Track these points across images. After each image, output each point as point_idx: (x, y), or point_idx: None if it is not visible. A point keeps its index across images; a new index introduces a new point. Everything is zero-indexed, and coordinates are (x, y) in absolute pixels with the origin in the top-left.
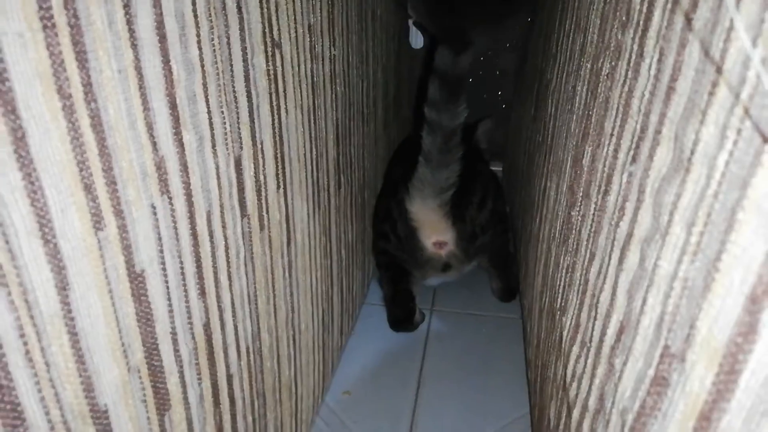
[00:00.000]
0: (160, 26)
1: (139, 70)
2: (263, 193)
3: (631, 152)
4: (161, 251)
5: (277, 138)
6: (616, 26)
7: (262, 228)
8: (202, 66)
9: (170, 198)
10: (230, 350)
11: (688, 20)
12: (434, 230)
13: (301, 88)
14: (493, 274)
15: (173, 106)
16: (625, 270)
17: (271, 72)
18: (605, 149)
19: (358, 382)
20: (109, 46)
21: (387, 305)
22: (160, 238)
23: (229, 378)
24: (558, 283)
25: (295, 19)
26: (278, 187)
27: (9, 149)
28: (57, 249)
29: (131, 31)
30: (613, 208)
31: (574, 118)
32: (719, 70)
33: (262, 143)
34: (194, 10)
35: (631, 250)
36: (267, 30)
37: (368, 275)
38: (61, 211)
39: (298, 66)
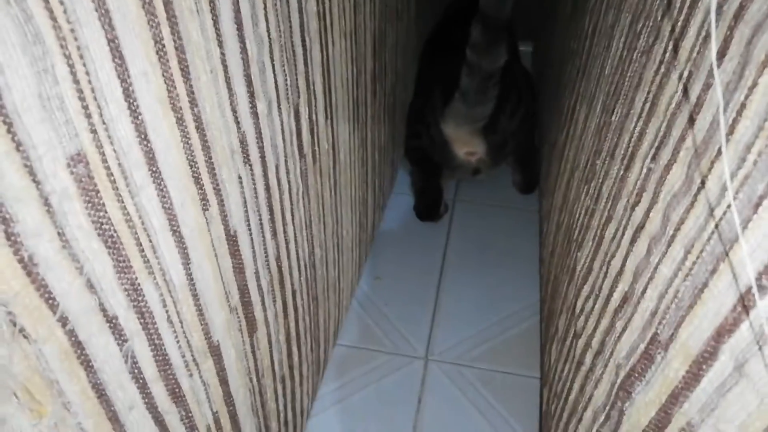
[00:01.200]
0: (237, 14)
1: (224, 63)
2: (315, 131)
3: (653, 149)
4: (246, 211)
5: (326, 73)
6: (656, 4)
7: (315, 162)
8: (269, 36)
9: (251, 165)
10: (293, 271)
11: (707, 85)
12: (466, 144)
13: (344, 14)
14: (516, 168)
15: (249, 82)
16: (634, 253)
17: (321, 12)
18: (632, 124)
19: (388, 267)
20: (203, 52)
21: (416, 197)
22: (245, 201)
23: (293, 293)
24: (577, 215)
25: None
26: (326, 118)
27: (146, 170)
28: (181, 235)
29: (217, 31)
30: (632, 188)
31: (609, 62)
32: (731, 133)
33: (314, 84)
34: None
35: (641, 239)
36: None
37: (396, 168)
38: (181, 205)
39: None
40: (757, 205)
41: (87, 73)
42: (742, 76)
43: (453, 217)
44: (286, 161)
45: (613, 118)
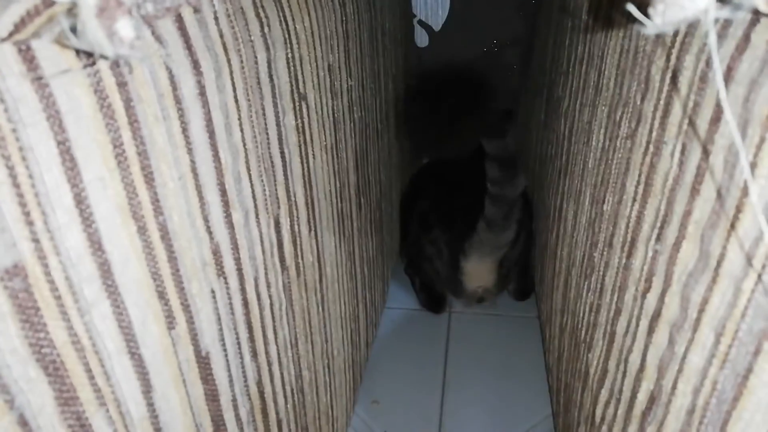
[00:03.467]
0: (208, 123)
1: (194, 171)
2: (298, 242)
3: (656, 230)
4: (221, 329)
5: (307, 185)
6: (634, 88)
7: (298, 275)
8: (245, 146)
9: (225, 278)
10: (278, 398)
11: (706, 151)
12: (480, 279)
13: (324, 130)
14: (513, 278)
15: (223, 192)
16: (654, 345)
17: (299, 126)
18: (628, 209)
19: (385, 389)
20: (170, 158)
21: (421, 294)
22: (219, 318)
23: (279, 423)
24: (581, 313)
25: (317, 65)
26: (310, 230)
27: (99, 284)
28: (141, 359)
29: (186, 138)
30: (639, 275)
31: (591, 155)
32: (745, 192)
33: (294, 195)
34: (235, 96)
35: (660, 328)
36: (294, 87)
37: (388, 282)
38: (142, 324)
39: (321, 109)
40: None
41: (30, 177)
42: (745, 135)
43: (450, 329)
44: (266, 274)
45: (605, 207)
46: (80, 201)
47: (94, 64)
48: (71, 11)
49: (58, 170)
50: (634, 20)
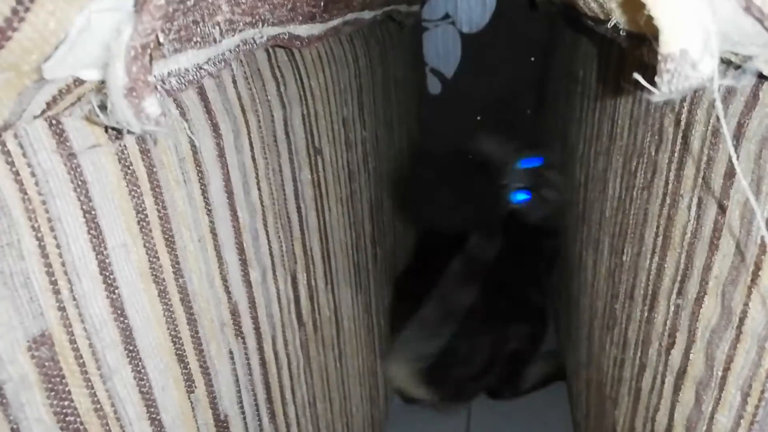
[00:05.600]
0: (227, 183)
1: (213, 231)
2: (315, 297)
3: (677, 285)
4: (239, 391)
5: (324, 238)
6: (648, 138)
7: (315, 331)
8: (262, 203)
9: (243, 338)
10: None
11: (722, 206)
12: (409, 387)
13: (339, 182)
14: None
15: (241, 251)
16: (681, 403)
17: (315, 180)
18: (647, 261)
19: None
20: (190, 221)
21: None
22: (237, 380)
23: None
24: (606, 368)
25: (331, 119)
26: (326, 284)
27: (121, 350)
28: (161, 424)
29: (206, 200)
30: (662, 330)
31: (608, 204)
32: (763, 249)
33: (311, 249)
34: (252, 155)
35: (686, 386)
36: (310, 141)
37: None
38: (162, 389)
39: (336, 161)
40: None
41: (58, 246)
42: (760, 192)
43: None
44: (283, 331)
45: (624, 258)
46: (104, 268)
47: (121, 138)
48: (100, 90)
49: (83, 239)
50: (642, 87)
